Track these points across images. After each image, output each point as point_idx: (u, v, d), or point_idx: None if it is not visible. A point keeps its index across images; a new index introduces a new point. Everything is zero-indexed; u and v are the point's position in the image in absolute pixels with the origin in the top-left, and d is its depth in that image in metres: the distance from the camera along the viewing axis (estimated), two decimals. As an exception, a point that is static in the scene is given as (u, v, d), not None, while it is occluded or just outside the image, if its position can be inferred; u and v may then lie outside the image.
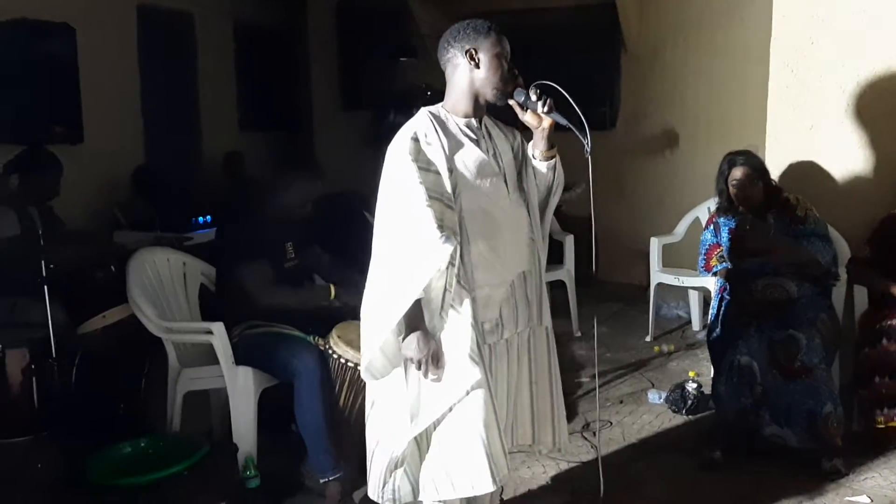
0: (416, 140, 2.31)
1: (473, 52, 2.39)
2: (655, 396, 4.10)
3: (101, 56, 5.10)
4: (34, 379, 3.52)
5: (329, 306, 3.37)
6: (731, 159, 3.74)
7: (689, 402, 3.91)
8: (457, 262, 2.23)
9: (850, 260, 3.74)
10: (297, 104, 7.18)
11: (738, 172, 3.70)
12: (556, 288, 5.41)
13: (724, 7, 6.03)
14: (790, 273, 3.63)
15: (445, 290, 2.26)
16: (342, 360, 3.04)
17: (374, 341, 2.31)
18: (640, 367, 4.66)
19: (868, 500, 3.06)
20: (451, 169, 2.32)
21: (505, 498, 3.17)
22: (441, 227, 2.20)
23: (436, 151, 2.31)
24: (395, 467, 2.36)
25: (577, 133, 2.34)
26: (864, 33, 3.91)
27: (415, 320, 2.26)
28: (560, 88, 2.38)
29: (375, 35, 6.69)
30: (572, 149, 6.72)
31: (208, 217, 5.00)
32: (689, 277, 5.00)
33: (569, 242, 5.29)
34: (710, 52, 6.09)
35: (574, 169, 6.57)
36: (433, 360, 2.27)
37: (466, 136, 2.41)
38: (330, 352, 3.07)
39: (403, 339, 2.27)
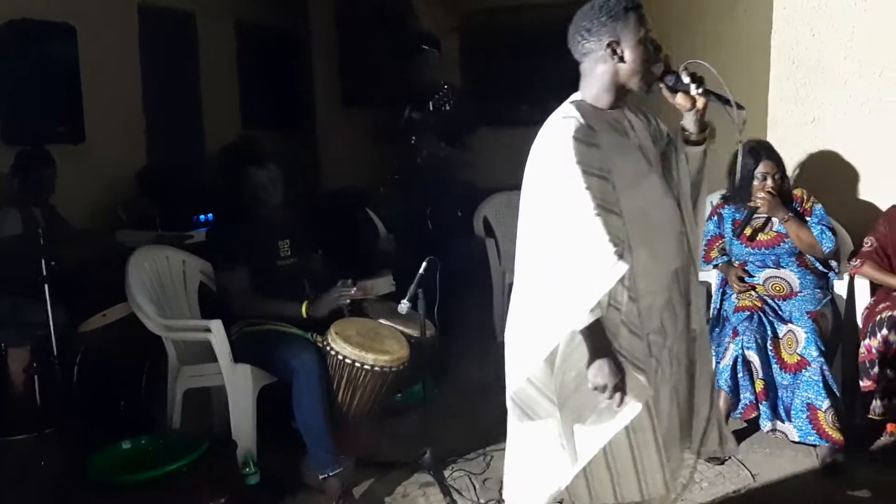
0: (578, 140, 2.03)
1: (615, 46, 2.13)
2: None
3: (102, 55, 5.09)
4: (36, 377, 3.54)
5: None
6: (755, 151, 3.68)
7: (691, 396, 3.89)
8: (627, 273, 1.97)
9: (852, 253, 3.71)
10: (299, 102, 7.19)
11: (767, 166, 3.64)
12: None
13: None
14: (792, 266, 3.61)
15: (609, 306, 2.03)
16: (340, 357, 3.04)
17: (521, 371, 2.10)
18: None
19: (868, 494, 3.05)
20: (610, 169, 2.06)
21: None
22: (613, 240, 1.94)
23: (595, 151, 2.05)
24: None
25: (729, 112, 2.13)
26: (866, 24, 3.88)
27: (601, 343, 1.99)
28: (709, 66, 2.17)
29: (376, 32, 6.68)
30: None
31: (210, 215, 5.00)
32: (692, 271, 4.97)
33: (571, 238, 5.26)
34: (713, 45, 6.04)
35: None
36: (623, 386, 2.01)
37: (617, 130, 2.17)
38: (328, 349, 3.08)
39: (588, 364, 1.99)
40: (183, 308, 3.67)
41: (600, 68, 2.16)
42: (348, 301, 3.25)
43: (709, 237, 3.87)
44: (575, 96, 2.23)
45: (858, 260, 3.61)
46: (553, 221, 2.02)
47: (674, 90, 2.18)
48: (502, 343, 5.10)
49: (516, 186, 6.20)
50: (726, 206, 3.83)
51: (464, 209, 5.08)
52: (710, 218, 3.92)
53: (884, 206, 3.73)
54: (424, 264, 3.29)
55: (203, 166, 6.31)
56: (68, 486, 3.10)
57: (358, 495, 3.17)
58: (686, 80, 2.16)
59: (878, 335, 3.36)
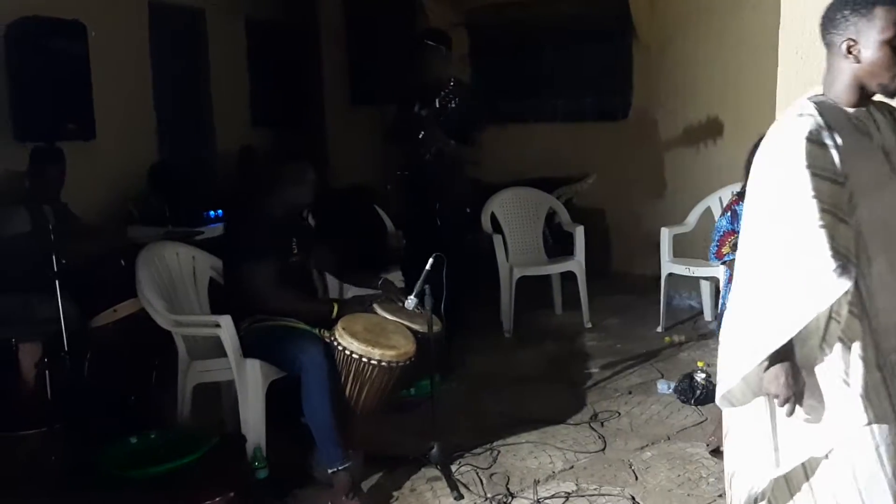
0: (811, 140, 1.88)
1: (851, 45, 1.94)
2: (664, 387, 4.09)
3: (112, 52, 5.10)
4: (47, 372, 3.57)
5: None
6: None
7: (698, 392, 3.90)
8: (850, 288, 1.84)
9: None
10: (309, 99, 7.20)
11: None
12: (569, 280, 5.43)
13: (736, -7, 5.98)
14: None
15: (830, 319, 1.90)
16: (347, 352, 3.05)
17: (736, 369, 1.98)
18: (650, 357, 4.64)
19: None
20: (847, 174, 1.90)
21: (511, 488, 3.18)
22: (836, 254, 1.82)
23: (830, 153, 1.90)
24: (756, 502, 2.07)
25: None
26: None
27: (783, 351, 1.89)
28: None
29: (385, 29, 6.70)
30: (585, 138, 6.71)
31: (219, 212, 5.03)
32: (700, 267, 4.97)
33: (579, 234, 5.27)
34: (722, 40, 6.03)
35: (587, 160, 6.59)
36: (799, 398, 1.92)
37: (859, 130, 1.98)
38: (335, 344, 3.09)
39: (766, 369, 1.91)
40: (193, 304, 3.69)
41: (840, 64, 1.98)
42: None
43: (721, 233, 3.86)
44: (816, 90, 2.05)
45: None
46: (774, 227, 1.91)
47: None
48: (509, 338, 5.17)
49: (523, 182, 6.24)
50: (741, 202, 3.81)
51: (472, 205, 5.09)
52: (723, 214, 3.91)
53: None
54: (431, 260, 3.30)
55: (213, 163, 6.35)
56: (78, 480, 3.14)
57: (366, 489, 3.18)
58: None
59: None
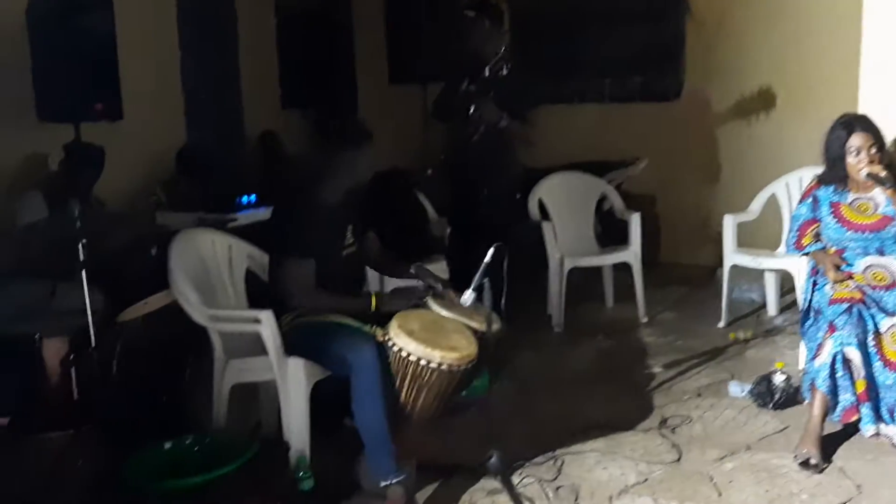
0: None
1: None
2: (737, 389, 3.76)
3: (140, 31, 4.88)
4: (73, 370, 3.33)
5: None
6: (848, 123, 3.35)
7: (777, 395, 3.57)
8: None
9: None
10: (342, 80, 6.90)
11: (861, 139, 3.30)
12: (620, 271, 5.11)
13: (799, -39, 5.59)
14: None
15: None
16: (403, 354, 2.75)
17: None
18: (716, 356, 4.31)
19: None
20: None
21: (581, 502, 2.89)
22: None
23: None
24: None
25: None
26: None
27: None
28: None
29: (425, 1, 6.33)
30: (634, 120, 6.36)
31: (253, 197, 4.75)
32: (768, 258, 4.63)
33: (634, 221, 4.94)
34: (785, 13, 5.65)
35: (636, 143, 6.25)
36: None
37: None
38: (390, 344, 2.79)
39: None
40: (229, 297, 3.42)
41: None
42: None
43: (801, 221, 3.53)
44: None
45: None
46: None
47: None
48: (559, 333, 4.86)
49: (568, 166, 5.88)
50: (822, 187, 3.48)
51: (522, 190, 4.78)
52: (802, 200, 3.57)
53: None
54: (491, 251, 2.99)
55: (242, 146, 6.08)
56: (106, 490, 2.89)
57: (421, 502, 2.90)
58: None
59: None
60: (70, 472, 3.06)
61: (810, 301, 3.44)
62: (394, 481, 2.77)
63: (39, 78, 4.17)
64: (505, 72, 4.30)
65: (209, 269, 3.40)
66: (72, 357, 3.32)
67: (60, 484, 2.98)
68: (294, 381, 3.03)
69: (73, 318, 3.34)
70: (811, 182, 3.59)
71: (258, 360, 3.13)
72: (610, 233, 5.37)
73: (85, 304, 3.24)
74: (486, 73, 4.30)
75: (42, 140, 4.04)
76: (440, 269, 4.63)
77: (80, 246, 3.24)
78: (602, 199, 5.32)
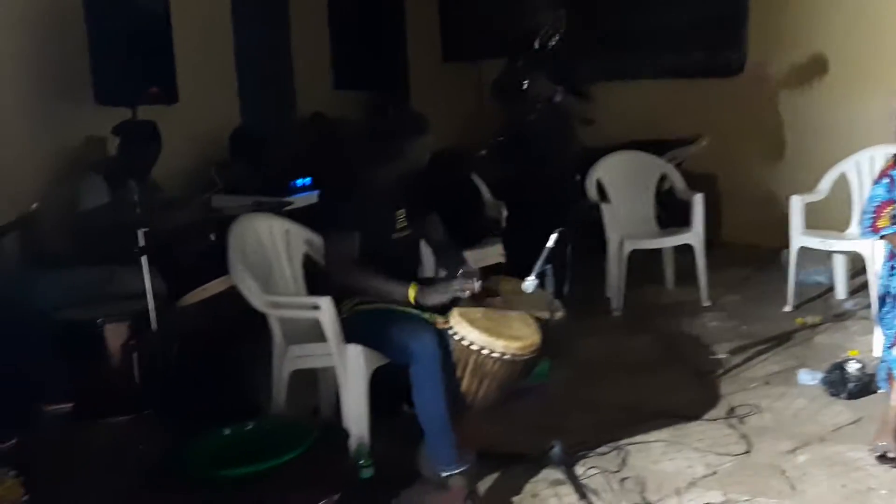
0: None
1: None
2: (807, 377, 3.63)
3: (194, 13, 4.86)
4: (134, 355, 3.34)
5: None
6: None
7: (850, 384, 3.44)
8: None
9: None
10: (394, 58, 6.81)
11: None
12: (680, 252, 4.97)
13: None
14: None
15: None
16: (465, 342, 2.68)
17: None
18: (783, 341, 4.16)
19: None
20: None
21: (648, 497, 2.80)
22: None
23: None
24: None
25: None
26: None
27: None
28: None
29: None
30: (694, 96, 6.15)
31: (308, 180, 4.71)
32: (838, 240, 4.46)
33: (697, 202, 4.78)
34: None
35: (696, 119, 6.06)
36: None
37: None
38: (451, 332, 2.73)
39: None
40: (287, 282, 3.39)
41: None
42: (468, 294, 2.87)
43: (877, 203, 3.35)
44: None
45: None
46: None
47: None
48: (618, 317, 4.76)
49: (626, 145, 5.72)
50: (899, 167, 3.30)
51: (580, 170, 4.67)
52: (878, 181, 3.40)
53: None
54: (554, 236, 2.90)
55: (295, 128, 6.05)
56: (167, 475, 2.89)
57: (482, 492, 2.85)
58: None
59: None
60: (131, 457, 3.08)
61: (887, 287, 3.28)
62: (455, 472, 2.72)
63: (97, 61, 4.18)
64: (554, 42, 4.15)
65: (267, 254, 3.38)
66: (133, 342, 3.33)
67: (122, 469, 3.00)
68: (353, 369, 2.99)
69: (134, 302, 3.36)
70: (887, 162, 3.41)
71: (317, 347, 3.10)
72: (669, 213, 5.23)
73: (145, 288, 3.24)
74: (536, 45, 4.16)
75: (99, 124, 4.05)
76: (496, 251, 4.57)
77: (140, 232, 3.22)
78: (661, 179, 5.17)
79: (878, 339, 3.41)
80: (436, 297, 2.88)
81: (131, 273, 3.40)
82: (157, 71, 4.33)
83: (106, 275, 3.67)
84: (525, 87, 4.20)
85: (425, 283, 3.02)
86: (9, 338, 3.06)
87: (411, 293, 2.89)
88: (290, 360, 3.18)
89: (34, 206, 3.23)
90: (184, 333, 3.43)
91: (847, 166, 4.64)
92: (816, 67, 5.66)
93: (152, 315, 3.26)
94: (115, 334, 3.37)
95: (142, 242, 3.22)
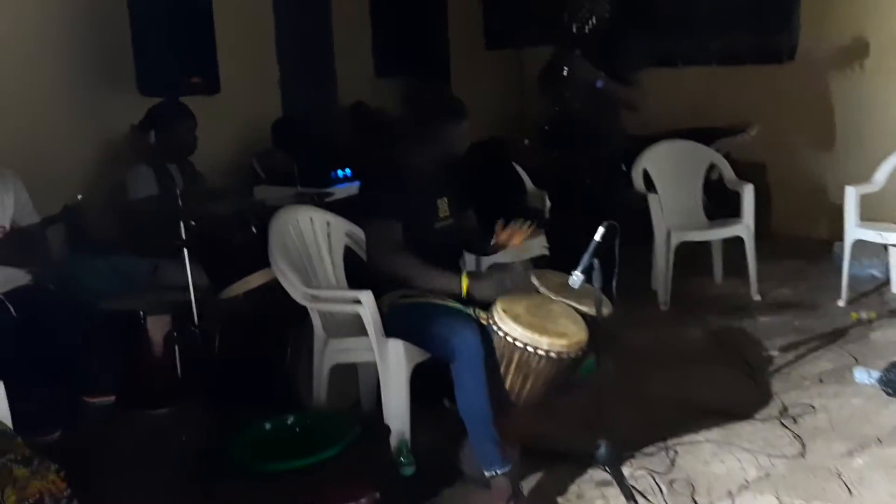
0: None
1: None
2: (863, 375, 3.50)
3: (236, 3, 4.86)
4: (176, 347, 3.34)
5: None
6: None
7: (910, 384, 3.31)
8: None
9: None
10: (435, 46, 6.73)
11: None
12: (728, 243, 4.84)
13: None
14: None
15: None
16: (509, 339, 2.62)
17: None
18: (837, 337, 4.02)
19: None
20: None
21: (698, 499, 2.72)
22: None
23: None
24: None
25: None
26: None
27: None
28: None
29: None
30: (744, 83, 5.96)
31: (348, 171, 4.67)
32: (895, 234, 4.29)
33: (748, 193, 4.64)
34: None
35: (745, 107, 5.89)
36: None
37: None
38: (495, 328, 2.67)
39: None
40: (328, 275, 3.36)
41: None
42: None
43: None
44: None
45: None
46: None
47: None
48: (666, 311, 4.64)
49: (673, 133, 5.54)
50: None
51: (626, 160, 4.55)
52: None
53: None
54: (602, 230, 2.82)
55: (337, 117, 6.02)
56: (209, 468, 2.88)
57: (526, 491, 2.78)
58: None
59: None
60: (173, 448, 3.08)
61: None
62: (498, 472, 2.66)
63: (139, 51, 4.20)
64: (591, 25, 4.02)
65: (308, 246, 3.34)
66: (175, 334, 3.33)
67: (164, 462, 3.00)
68: (394, 363, 2.95)
69: (176, 294, 3.36)
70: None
71: (358, 341, 3.06)
72: (717, 203, 5.09)
73: (187, 280, 3.23)
74: (574, 29, 4.03)
75: (142, 114, 4.05)
76: (539, 243, 4.48)
77: (182, 223, 3.21)
78: (710, 169, 5.03)
79: (940, 337, 3.27)
80: (489, 290, 2.82)
81: (175, 265, 3.41)
82: (199, 61, 4.33)
83: (149, 267, 3.68)
84: (566, 73, 4.09)
85: (475, 276, 2.96)
86: (54, 328, 3.08)
87: (464, 284, 2.84)
88: (330, 353, 3.15)
89: (79, 196, 3.24)
90: (225, 326, 3.42)
91: (904, 156, 4.46)
92: (869, 53, 5.46)
93: (194, 307, 3.25)
94: (158, 326, 3.38)
95: (183, 236, 3.21)
